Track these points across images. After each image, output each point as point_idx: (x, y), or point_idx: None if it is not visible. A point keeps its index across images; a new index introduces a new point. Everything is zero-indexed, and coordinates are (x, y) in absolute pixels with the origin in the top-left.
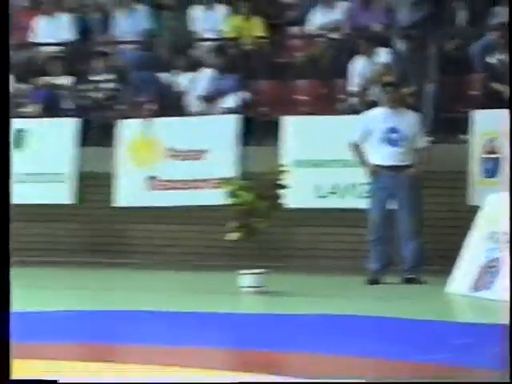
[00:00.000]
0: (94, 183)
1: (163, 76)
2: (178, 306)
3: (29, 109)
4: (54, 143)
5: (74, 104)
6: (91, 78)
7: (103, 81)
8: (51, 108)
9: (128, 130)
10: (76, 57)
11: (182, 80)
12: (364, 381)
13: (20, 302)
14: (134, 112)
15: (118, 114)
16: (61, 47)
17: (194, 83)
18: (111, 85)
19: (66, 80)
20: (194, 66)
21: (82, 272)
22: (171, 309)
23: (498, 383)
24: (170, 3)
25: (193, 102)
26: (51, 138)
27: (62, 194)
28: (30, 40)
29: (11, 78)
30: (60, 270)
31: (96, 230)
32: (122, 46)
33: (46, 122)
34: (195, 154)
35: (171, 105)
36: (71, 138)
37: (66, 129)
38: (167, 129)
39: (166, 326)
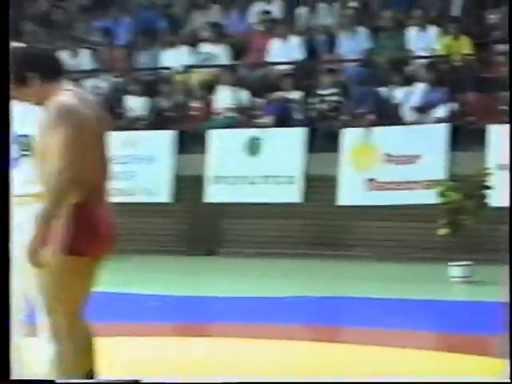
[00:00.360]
0: (319, 185)
1: (381, 90)
2: (393, 293)
3: (263, 120)
4: (285, 150)
5: (303, 115)
6: (318, 92)
7: (328, 94)
8: (283, 119)
9: (350, 137)
10: (305, 74)
11: (398, 93)
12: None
13: (258, 289)
14: (355, 122)
15: (341, 123)
16: (291, 65)
17: (409, 96)
18: (335, 98)
19: (295, 94)
20: (408, 80)
21: (309, 262)
22: (387, 296)
23: (497, 383)
24: (387, 25)
25: (407, 113)
26: (282, 145)
27: (292, 193)
28: (265, 60)
29: (247, 93)
30: (288, 261)
31: (321, 225)
32: (345, 64)
33: (278, 131)
34: (408, 159)
35: (388, 115)
36: (300, 145)
37: (296, 137)
38: (384, 137)
39: (382, 312)
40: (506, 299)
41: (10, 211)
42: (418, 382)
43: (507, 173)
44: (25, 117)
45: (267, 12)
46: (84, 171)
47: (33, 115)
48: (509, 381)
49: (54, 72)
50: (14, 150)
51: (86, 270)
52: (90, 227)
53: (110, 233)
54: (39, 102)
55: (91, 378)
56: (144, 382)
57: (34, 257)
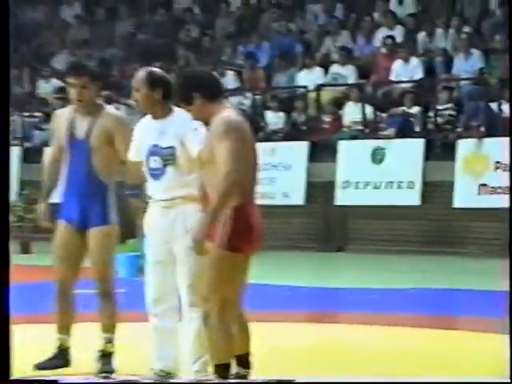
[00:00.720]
0: (437, 189)
1: (492, 105)
2: (499, 286)
3: (386, 132)
4: (405, 158)
5: (422, 128)
6: (435, 107)
7: (444, 109)
8: (404, 131)
9: (464, 147)
10: (423, 91)
11: (506, 108)
12: (365, 380)
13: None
14: (468, 133)
15: (456, 135)
16: (412, 84)
17: None
18: (451, 112)
19: (415, 109)
20: None
21: (427, 259)
22: (490, 288)
23: (497, 383)
24: (498, 47)
25: None
26: (404, 154)
27: (412, 197)
28: (388, 78)
29: (372, 108)
30: (408, 257)
31: (438, 225)
32: (459, 82)
33: (400, 141)
34: None
35: (498, 127)
36: (419, 154)
37: (415, 147)
38: (494, 146)
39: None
40: None
41: (9, 211)
42: (417, 382)
43: None
44: (167, 131)
45: (390, 37)
46: (244, 177)
47: (174, 129)
48: (509, 381)
49: (215, 92)
50: (158, 161)
51: (240, 264)
52: (246, 227)
53: (260, 232)
54: (202, 119)
55: (246, 361)
56: (61, 382)
57: (199, 246)
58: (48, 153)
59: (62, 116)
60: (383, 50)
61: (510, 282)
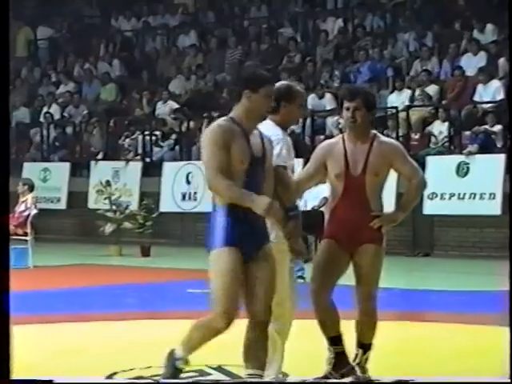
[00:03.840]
0: None
1: None
2: None
3: (470, 148)
4: (487, 172)
5: (503, 144)
6: None
7: None
8: (486, 147)
9: None
10: (504, 111)
11: None
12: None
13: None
14: None
15: None
16: (493, 104)
17: None
18: None
19: (496, 128)
20: None
21: (506, 264)
22: None
23: (498, 383)
24: None
25: None
26: (486, 169)
27: (494, 207)
28: (472, 99)
29: (457, 126)
30: (489, 262)
31: None
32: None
33: (483, 157)
34: None
35: None
36: (500, 168)
37: (496, 162)
38: None
39: None
40: None
41: (8, 212)
42: (417, 382)
43: None
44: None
45: (460, 66)
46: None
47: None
48: (509, 381)
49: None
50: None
51: None
52: None
53: None
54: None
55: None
56: (57, 381)
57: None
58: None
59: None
60: (467, 74)
61: (510, 282)
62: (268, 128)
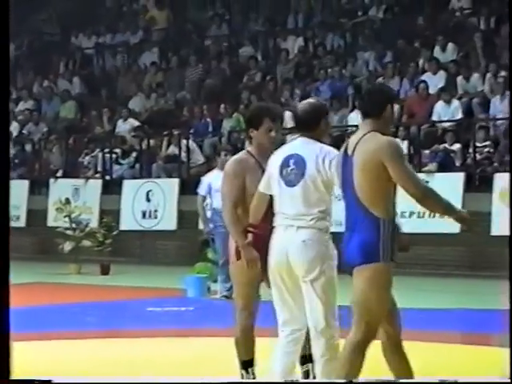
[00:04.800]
0: (475, 218)
1: None
2: None
3: (429, 167)
4: (447, 190)
5: (462, 163)
6: (474, 144)
7: (482, 146)
8: (445, 166)
9: (500, 180)
10: (463, 130)
11: None
12: (364, 381)
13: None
14: (504, 167)
15: (493, 169)
16: (451, 123)
17: None
18: (488, 149)
19: (456, 146)
20: None
21: (467, 282)
22: None
23: (498, 383)
24: None
25: None
26: (445, 187)
27: (452, 225)
28: (431, 118)
29: (416, 145)
30: (449, 280)
31: (477, 251)
32: (496, 122)
33: (442, 175)
34: None
35: None
36: (459, 187)
37: (456, 180)
38: None
39: None
40: None
41: (8, 213)
42: (417, 382)
43: None
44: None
45: (424, 81)
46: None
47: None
48: (509, 381)
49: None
50: None
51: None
52: None
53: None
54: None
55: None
56: (55, 381)
57: None
58: None
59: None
60: (427, 93)
61: (509, 291)
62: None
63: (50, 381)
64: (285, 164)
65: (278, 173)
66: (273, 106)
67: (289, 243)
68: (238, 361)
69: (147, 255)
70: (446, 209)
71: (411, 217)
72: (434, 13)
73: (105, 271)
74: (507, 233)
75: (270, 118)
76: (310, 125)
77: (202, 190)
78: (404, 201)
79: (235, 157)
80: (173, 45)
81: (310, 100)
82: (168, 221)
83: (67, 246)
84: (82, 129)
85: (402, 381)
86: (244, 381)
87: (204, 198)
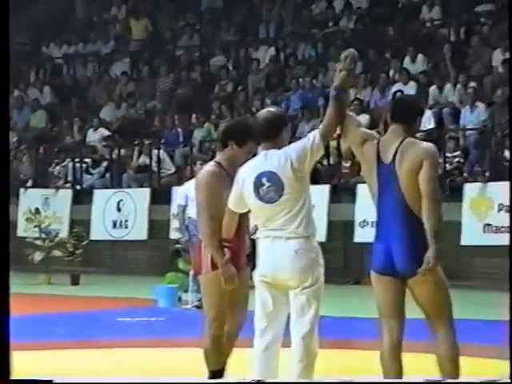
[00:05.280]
0: (445, 228)
1: (495, 152)
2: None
3: None
4: None
5: None
6: (444, 154)
7: (453, 156)
8: None
9: (470, 190)
10: (434, 140)
11: (509, 154)
12: (364, 380)
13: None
14: (474, 178)
15: (463, 179)
16: (423, 133)
17: None
18: (458, 159)
19: None
20: None
21: None
22: (493, 318)
23: (497, 383)
24: (500, 99)
25: None
26: None
27: None
28: None
29: None
30: None
31: (446, 261)
32: (466, 132)
33: None
34: None
35: (501, 172)
36: None
37: None
38: (498, 189)
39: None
40: None
41: (8, 214)
42: (417, 382)
43: None
44: None
45: (401, 91)
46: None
47: None
48: (509, 381)
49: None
50: None
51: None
52: None
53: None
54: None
55: None
56: (56, 381)
57: None
58: None
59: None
60: None
61: (509, 291)
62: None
63: (50, 381)
64: (258, 183)
65: (254, 193)
66: (260, 129)
67: (279, 254)
68: (208, 371)
69: (118, 265)
70: (440, 230)
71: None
72: (404, 23)
73: (75, 281)
74: (477, 243)
75: (255, 141)
76: (272, 133)
77: (180, 199)
78: (374, 210)
79: (209, 169)
80: (144, 55)
81: (270, 108)
82: (139, 231)
83: (37, 256)
84: (53, 138)
85: (394, 381)
86: (244, 381)
87: (185, 207)
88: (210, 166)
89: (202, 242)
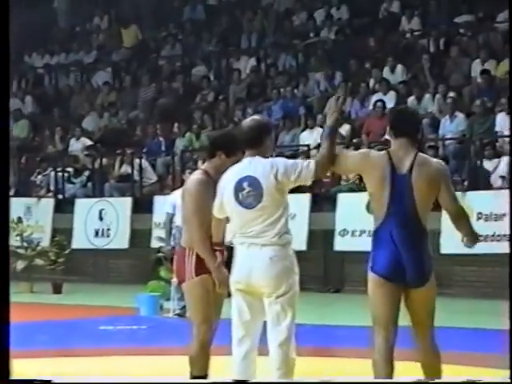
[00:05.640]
0: None
1: (474, 162)
2: (480, 323)
3: None
4: None
5: None
6: None
7: None
8: None
9: None
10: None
11: (488, 164)
12: (364, 380)
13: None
14: (454, 187)
15: None
16: None
17: (497, 166)
18: None
19: None
20: (497, 154)
21: None
22: (472, 326)
23: (497, 383)
24: (479, 109)
25: (496, 180)
26: None
27: None
28: (381, 138)
29: None
30: None
31: None
32: (445, 141)
33: None
34: (496, 217)
35: (480, 182)
36: None
37: None
38: (477, 199)
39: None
40: None
41: (8, 216)
42: (417, 382)
43: None
44: None
45: (382, 101)
46: None
47: None
48: (509, 381)
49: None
50: None
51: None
52: None
53: None
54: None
55: None
56: (55, 382)
57: None
58: None
59: None
60: (376, 113)
61: (509, 290)
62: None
63: (49, 381)
64: (239, 188)
65: (234, 197)
66: (244, 137)
67: (254, 261)
68: (190, 376)
69: (100, 274)
70: (471, 228)
71: (361, 235)
72: (384, 34)
73: (57, 290)
74: (456, 251)
75: (242, 152)
76: (256, 141)
77: (168, 208)
78: (354, 219)
79: (197, 177)
80: (126, 64)
81: (255, 117)
82: (120, 239)
83: (19, 265)
84: (35, 148)
85: (394, 381)
86: (245, 380)
87: (172, 215)
88: (197, 175)
89: (185, 250)
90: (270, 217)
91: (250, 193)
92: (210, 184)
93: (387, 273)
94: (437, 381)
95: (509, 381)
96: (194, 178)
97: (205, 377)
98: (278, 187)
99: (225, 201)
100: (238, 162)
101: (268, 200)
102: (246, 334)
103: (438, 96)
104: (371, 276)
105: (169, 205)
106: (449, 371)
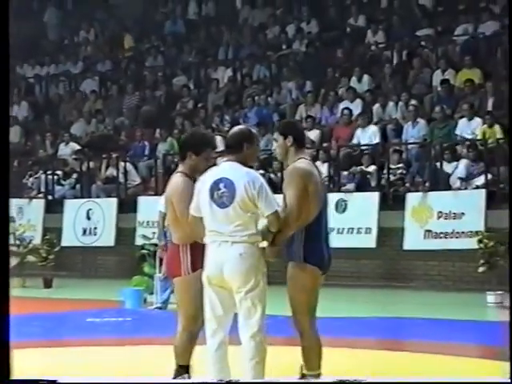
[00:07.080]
0: (389, 234)
1: (435, 165)
2: (444, 315)
3: (347, 186)
4: (363, 208)
5: (377, 183)
6: (388, 166)
7: (396, 168)
8: (362, 186)
9: (412, 199)
10: (378, 153)
11: (448, 167)
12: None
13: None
14: (415, 188)
15: (405, 189)
16: (369, 147)
17: (456, 169)
18: (401, 171)
19: (371, 168)
20: (456, 158)
21: (382, 292)
22: (433, 316)
23: (497, 383)
24: (439, 116)
25: (455, 181)
26: (362, 205)
27: (369, 241)
28: (349, 142)
29: (336, 166)
30: (366, 291)
31: (390, 264)
32: (408, 146)
33: (358, 194)
34: (456, 215)
35: (440, 183)
36: (375, 205)
37: (371, 199)
38: (437, 199)
39: (435, 328)
40: None
41: (8, 216)
42: (418, 382)
43: None
44: None
45: (349, 108)
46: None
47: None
48: (509, 381)
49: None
50: None
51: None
52: None
53: None
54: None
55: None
56: (61, 382)
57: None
58: None
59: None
60: (344, 119)
61: (509, 291)
62: (237, 167)
63: (55, 381)
64: (215, 187)
65: (209, 196)
66: (212, 136)
67: (224, 257)
68: (176, 366)
69: (88, 269)
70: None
71: (331, 233)
72: (351, 47)
73: (48, 285)
74: (418, 247)
75: (210, 147)
76: (234, 148)
77: (161, 206)
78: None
79: (181, 179)
80: (112, 74)
81: (240, 126)
82: (107, 237)
83: (12, 262)
84: (27, 152)
85: (394, 381)
86: (243, 380)
87: (164, 214)
88: (179, 177)
89: (179, 246)
90: (241, 218)
91: (224, 193)
92: (191, 183)
93: (324, 265)
94: (437, 381)
95: (509, 381)
96: (177, 179)
97: (187, 367)
98: (248, 195)
99: (201, 199)
100: (208, 159)
101: (239, 201)
102: (219, 327)
103: (401, 103)
104: (314, 269)
105: (162, 204)
106: (412, 359)
